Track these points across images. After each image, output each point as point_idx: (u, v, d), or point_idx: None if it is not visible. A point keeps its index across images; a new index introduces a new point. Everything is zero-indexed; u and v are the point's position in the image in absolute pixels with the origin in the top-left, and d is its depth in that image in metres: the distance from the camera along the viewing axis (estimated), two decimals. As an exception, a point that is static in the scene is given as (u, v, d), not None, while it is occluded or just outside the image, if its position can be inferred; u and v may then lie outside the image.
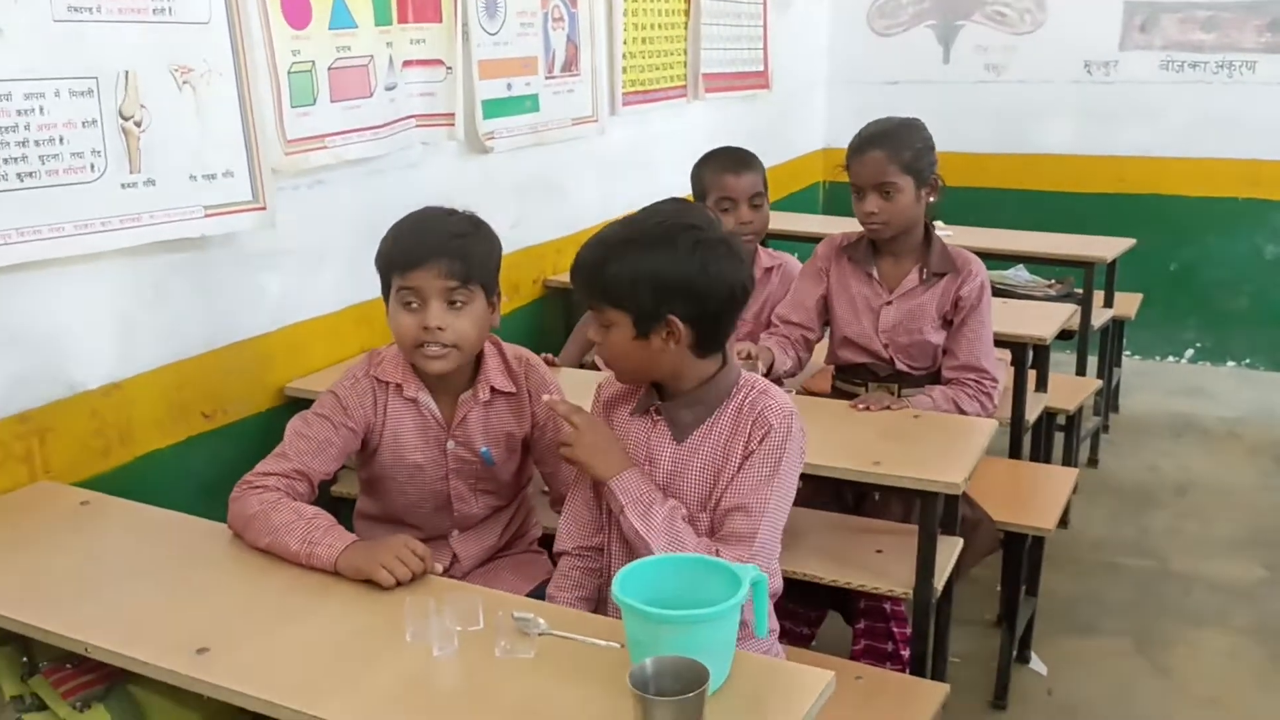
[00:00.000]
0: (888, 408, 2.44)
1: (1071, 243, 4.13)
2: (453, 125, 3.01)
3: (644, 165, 4.16)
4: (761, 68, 5.00)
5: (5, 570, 1.72)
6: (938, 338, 2.66)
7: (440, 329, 1.92)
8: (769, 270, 3.01)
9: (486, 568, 2.13)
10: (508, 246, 3.40)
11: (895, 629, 2.48)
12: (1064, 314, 3.16)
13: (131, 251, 2.18)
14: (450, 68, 2.98)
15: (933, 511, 2.10)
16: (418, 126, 2.95)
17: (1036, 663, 3.01)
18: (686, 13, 4.33)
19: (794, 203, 5.62)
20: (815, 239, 4.45)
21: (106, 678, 1.62)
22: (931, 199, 2.66)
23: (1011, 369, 3.05)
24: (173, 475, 2.33)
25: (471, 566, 2.11)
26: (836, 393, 2.82)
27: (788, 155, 5.54)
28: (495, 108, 3.26)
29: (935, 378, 2.68)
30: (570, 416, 1.79)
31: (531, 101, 3.44)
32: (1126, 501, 4.01)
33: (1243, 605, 3.32)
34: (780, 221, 4.62)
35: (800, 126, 5.71)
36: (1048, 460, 3.51)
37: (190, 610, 1.60)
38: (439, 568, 1.72)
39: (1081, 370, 4.06)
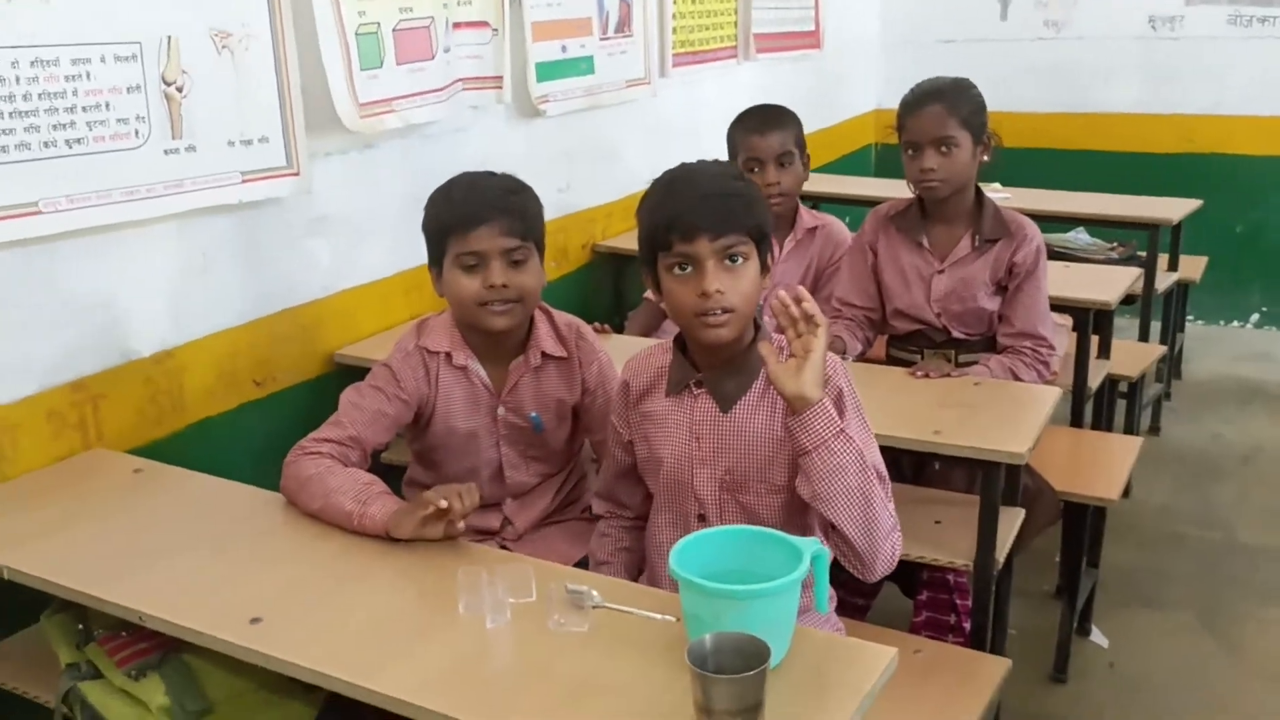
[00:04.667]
0: (947, 375, 2.38)
1: (1135, 204, 4.01)
2: (500, 89, 2.96)
3: (692, 129, 4.08)
4: (813, 27, 4.90)
5: (60, 538, 1.72)
6: (992, 304, 2.59)
7: (505, 286, 1.90)
8: (811, 230, 2.95)
9: (538, 534, 2.11)
10: (556, 211, 3.42)
11: (959, 600, 2.42)
12: (1127, 278, 3.07)
13: (179, 218, 2.17)
14: (497, 30, 2.93)
15: (995, 482, 2.04)
16: (465, 90, 2.91)
17: (1098, 635, 2.94)
18: (738, -30, 4.24)
19: (845, 165, 5.52)
20: (868, 202, 4.36)
21: (161, 646, 1.62)
22: (985, 159, 2.58)
23: (1073, 335, 2.97)
24: (224, 442, 2.33)
25: (524, 531, 2.09)
26: (891, 360, 2.75)
27: (839, 117, 5.44)
28: (549, 70, 3.21)
29: (991, 343, 2.61)
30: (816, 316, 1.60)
31: (586, 64, 3.38)
32: (1190, 471, 3.91)
33: (1312, 578, 3.23)
34: (831, 184, 4.54)
35: (852, 87, 5.60)
36: (1109, 428, 3.42)
37: (243, 579, 1.59)
38: (475, 497, 1.67)
39: (1144, 336, 3.95)
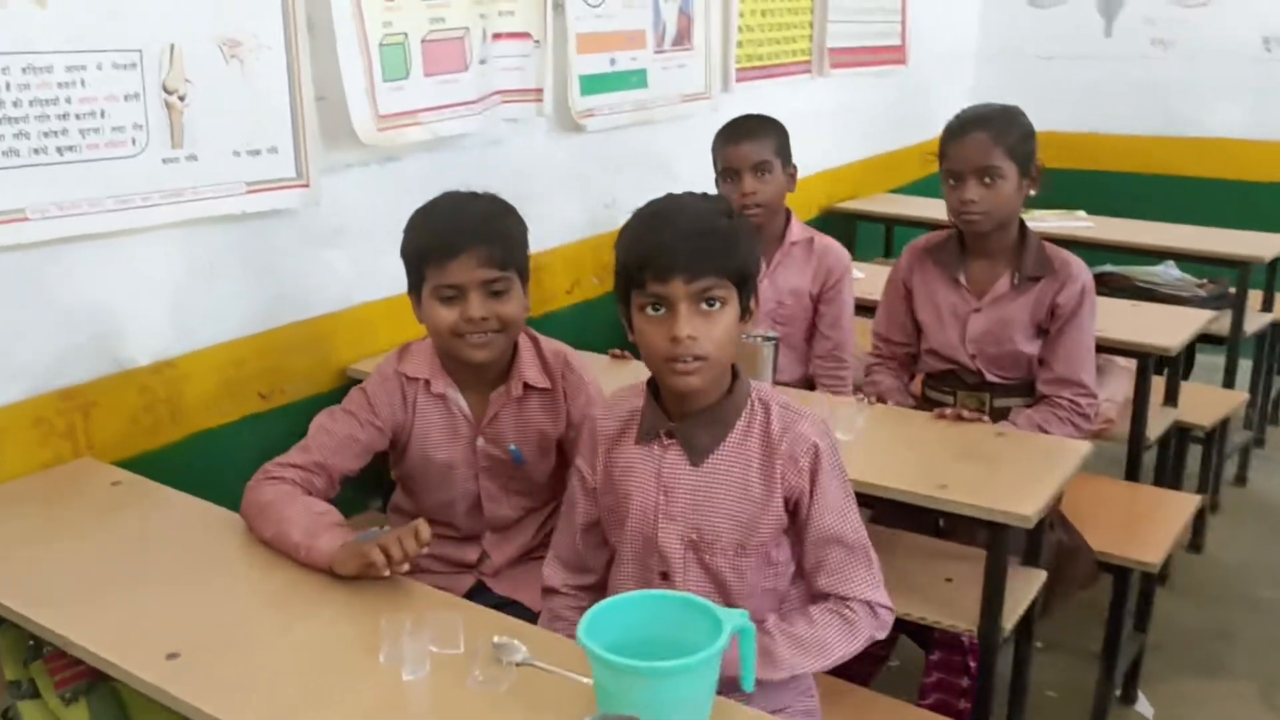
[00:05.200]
0: (979, 418, 2.23)
1: (1228, 239, 3.75)
2: (540, 101, 2.90)
3: (760, 144, 3.97)
4: (898, 41, 4.72)
5: (19, 552, 1.71)
6: (1031, 347, 2.42)
7: (484, 318, 1.83)
8: (802, 244, 2.85)
9: (518, 569, 2.03)
10: (599, 227, 3.35)
11: (972, 662, 2.27)
12: (1198, 320, 2.84)
13: (183, 226, 2.15)
14: (539, 41, 2.87)
15: (1001, 544, 1.89)
16: (504, 102, 2.85)
17: (1143, 703, 2.74)
18: (814, -17, 4.10)
19: (932, 186, 5.31)
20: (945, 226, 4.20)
21: (95, 672, 1.59)
22: (1032, 192, 2.41)
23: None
24: (226, 454, 2.31)
25: (502, 566, 2.02)
26: (926, 399, 2.61)
27: (927, 134, 5.21)
28: (595, 84, 3.13)
29: (1029, 387, 2.45)
30: None
31: (638, 77, 3.30)
32: (1273, 526, 3.64)
33: (1397, 655, 2.95)
34: (917, 207, 4.36)
35: (942, 103, 5.33)
36: (1178, 481, 3.19)
37: (176, 610, 1.55)
38: (425, 549, 1.60)
39: (1230, 381, 3.68)
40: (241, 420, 2.35)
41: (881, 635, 1.60)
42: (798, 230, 2.86)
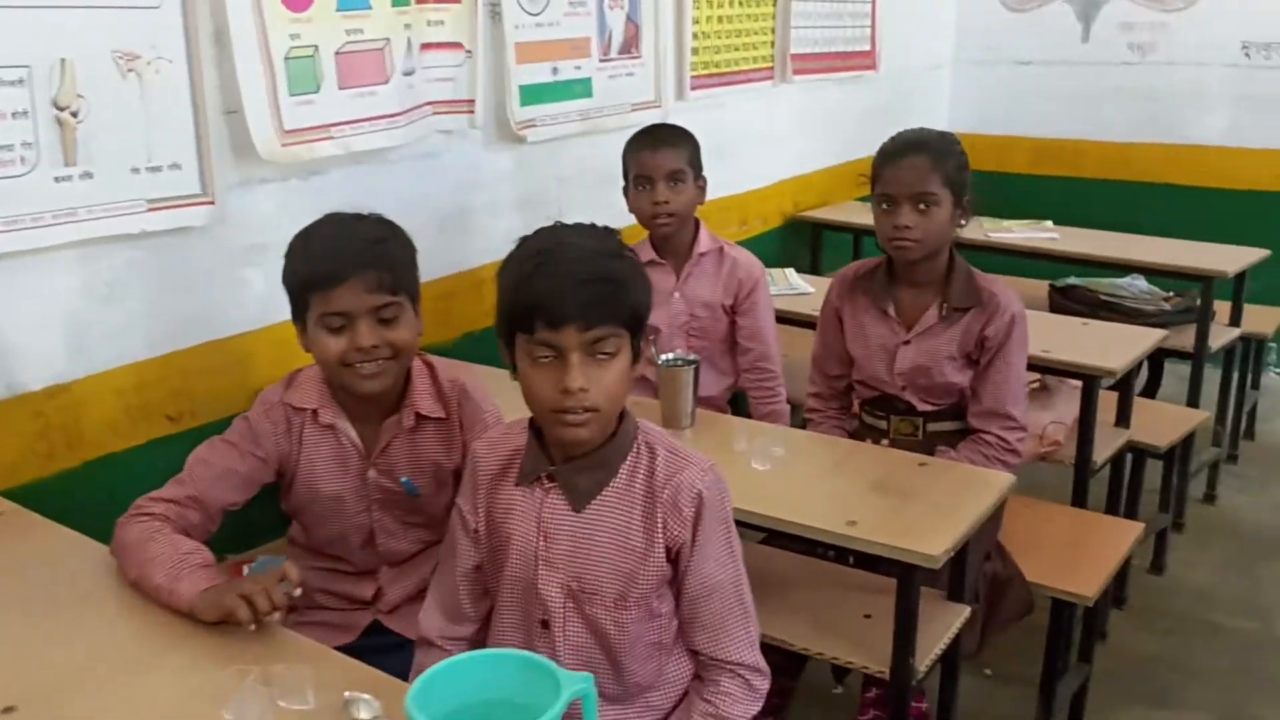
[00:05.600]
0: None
1: (1192, 252, 3.66)
2: (472, 113, 2.83)
3: (719, 152, 3.87)
4: (868, 47, 4.64)
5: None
6: (961, 379, 2.36)
7: (375, 346, 1.75)
8: (713, 255, 2.81)
9: (417, 605, 1.93)
10: (545, 239, 3.28)
11: (914, 703, 2.20)
12: (1145, 341, 2.76)
13: (80, 246, 2.08)
14: (470, 51, 2.79)
15: (911, 583, 1.81)
16: (435, 114, 2.78)
17: (1088, 737, 2.66)
18: (776, -12, 4.02)
19: (907, 192, 5.23)
20: (962, 247, 4.08)
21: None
22: (963, 222, 2.33)
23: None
24: (131, 480, 2.21)
25: (399, 602, 1.95)
26: (863, 424, 2.53)
27: (901, 141, 5.14)
28: (537, 94, 3.06)
29: (964, 410, 2.37)
30: None
31: (583, 86, 3.22)
32: (1242, 547, 3.55)
33: (1356, 686, 2.87)
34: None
35: (918, 110, 5.28)
36: (1134, 503, 3.11)
37: (21, 658, 1.48)
38: (297, 591, 1.55)
39: (1194, 398, 3.60)
40: (148, 444, 2.28)
41: (757, 709, 1.53)
42: (706, 240, 2.82)
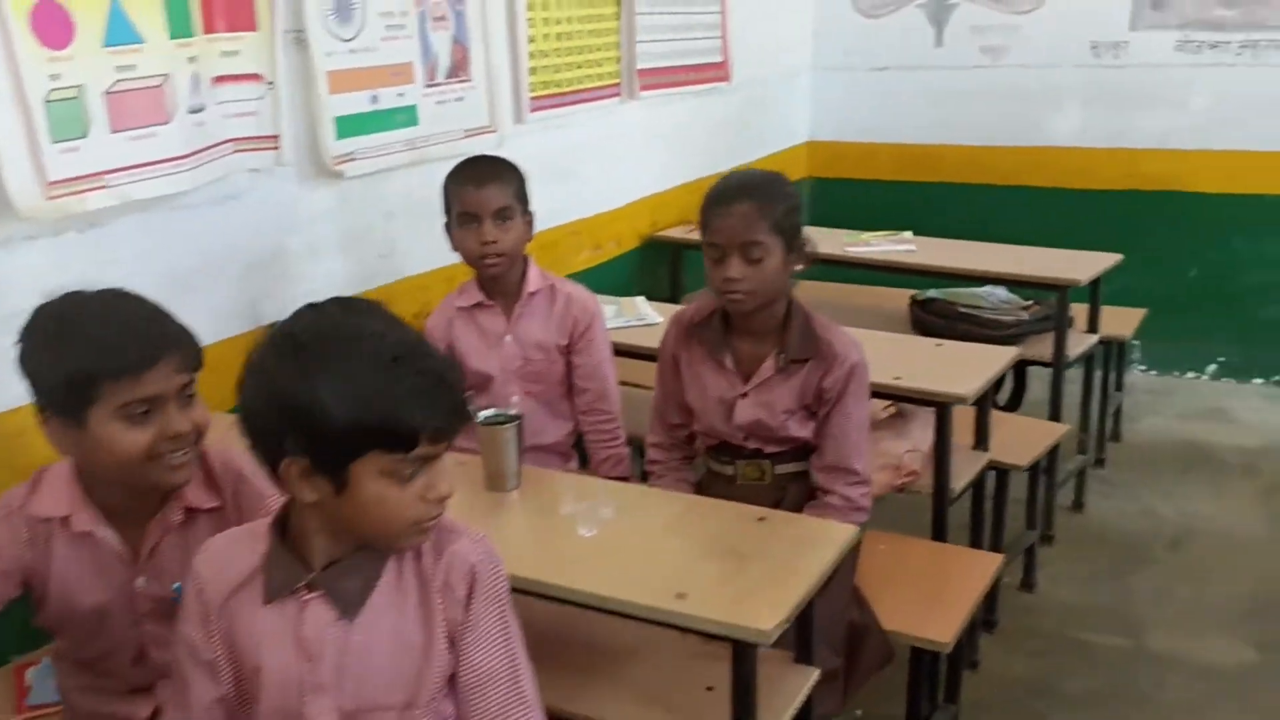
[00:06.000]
0: None
1: (1048, 260, 3.61)
2: (277, 149, 2.60)
3: (566, 175, 3.73)
4: (720, 58, 4.52)
5: None
6: (804, 431, 2.23)
7: (186, 432, 1.56)
8: (545, 293, 2.64)
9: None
10: (377, 278, 3.07)
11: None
12: (998, 362, 2.66)
13: None
14: (271, 82, 2.57)
15: (745, 659, 1.66)
16: (237, 152, 2.55)
17: (960, 778, 2.56)
18: (618, 2, 3.87)
19: (770, 203, 5.13)
20: (821, 261, 3.91)
21: None
22: (799, 267, 2.20)
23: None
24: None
25: (183, 718, 1.72)
26: (709, 471, 2.39)
27: (763, 151, 5.05)
28: (354, 124, 2.84)
29: (811, 451, 2.25)
30: None
31: (407, 114, 3.01)
32: (1112, 556, 3.51)
33: (1225, 699, 2.82)
34: None
35: (778, 120, 5.21)
36: (999, 524, 3.03)
37: None
38: None
39: (1056, 410, 3.55)
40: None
41: None
42: (536, 278, 2.65)
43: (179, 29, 2.35)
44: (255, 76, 2.55)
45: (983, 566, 2.45)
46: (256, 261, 2.68)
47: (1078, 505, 3.79)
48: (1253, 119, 4.60)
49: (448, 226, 2.63)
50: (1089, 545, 3.58)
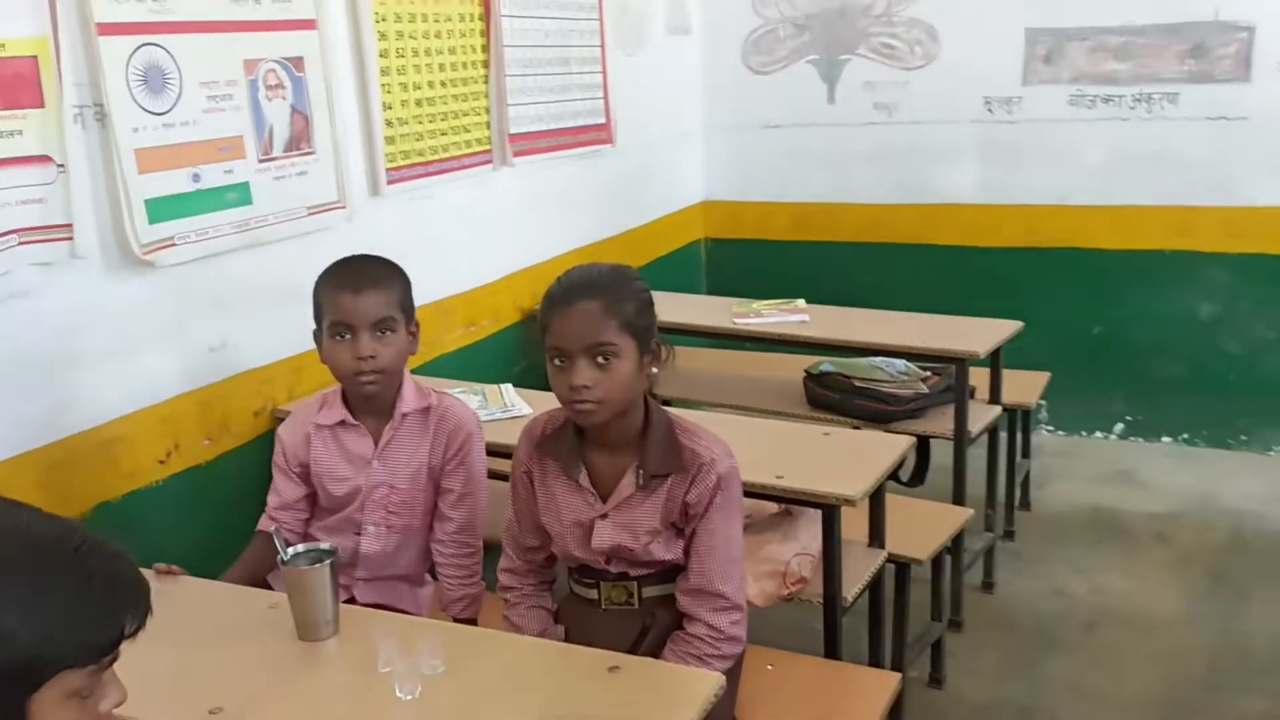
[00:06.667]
0: None
1: (945, 331, 3.42)
2: (70, 239, 2.29)
3: (432, 249, 3.44)
4: (602, 120, 4.30)
5: None
6: (671, 553, 1.96)
7: None
8: (419, 414, 2.31)
9: None
10: (206, 376, 2.73)
11: None
12: (890, 453, 2.42)
13: None
14: (62, 165, 2.26)
15: None
16: (22, 244, 2.23)
17: None
18: (485, 64, 3.62)
19: (670, 267, 4.92)
20: (699, 333, 3.66)
21: None
22: (654, 370, 1.94)
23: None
24: None
25: None
26: (571, 597, 2.11)
27: (652, 214, 4.84)
28: (171, 207, 2.54)
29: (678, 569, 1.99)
30: None
31: (238, 192, 2.72)
32: (1022, 643, 3.29)
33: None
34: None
35: (669, 181, 5.01)
36: (902, 620, 2.79)
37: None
38: None
39: (960, 492, 3.34)
40: None
41: None
42: (412, 398, 2.30)
43: (-61, 107, 2.04)
44: (43, 159, 2.24)
45: (880, 686, 2.20)
46: (52, 366, 2.35)
47: (987, 585, 3.58)
48: (1148, 173, 4.51)
49: (316, 335, 2.28)
50: (999, 630, 3.36)
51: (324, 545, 1.85)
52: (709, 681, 1.63)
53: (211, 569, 2.27)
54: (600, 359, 1.85)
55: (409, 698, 1.61)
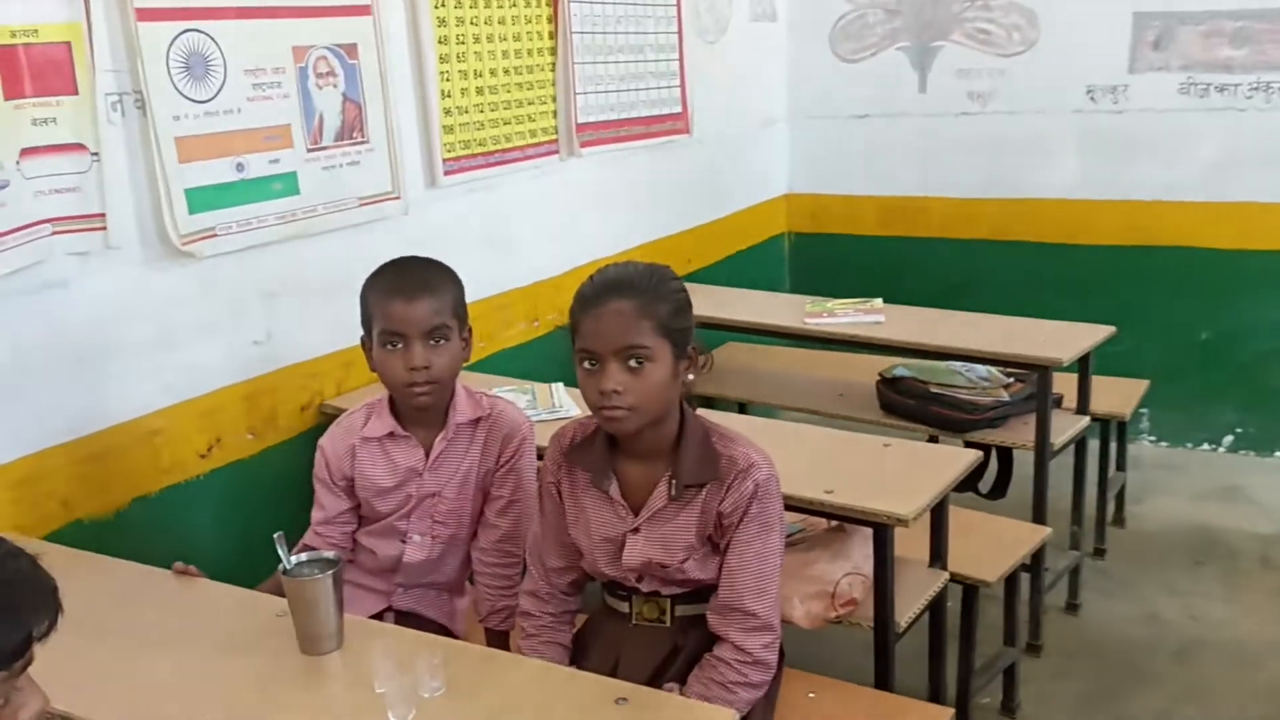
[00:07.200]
0: None
1: (1030, 333, 3.19)
2: (104, 229, 2.25)
3: (493, 242, 3.37)
4: (679, 109, 4.16)
5: None
6: (706, 572, 1.83)
7: None
8: (470, 425, 2.19)
9: None
10: (249, 370, 2.69)
11: None
12: (953, 467, 2.24)
13: None
14: (96, 153, 2.22)
15: None
16: (56, 234, 2.20)
17: None
18: (553, 52, 3.52)
19: (750, 262, 4.76)
20: (768, 332, 3.51)
21: None
22: (690, 377, 1.81)
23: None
24: None
25: None
26: (603, 608, 1.99)
27: (730, 207, 4.68)
28: (213, 197, 2.49)
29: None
30: None
31: (284, 182, 2.66)
32: (1106, 672, 3.06)
33: None
34: (717, 300, 3.71)
35: (750, 172, 4.84)
36: (969, 639, 2.60)
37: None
38: None
39: (1040, 509, 3.11)
40: None
41: None
42: (466, 408, 2.17)
43: (-29, 94, 2.01)
44: (77, 147, 2.20)
45: (928, 723, 2.03)
46: (89, 357, 2.32)
47: (1071, 607, 3.36)
48: (1264, 167, 4.18)
49: (364, 342, 2.16)
50: (1083, 657, 3.14)
51: (328, 554, 1.76)
52: (719, 718, 1.49)
53: (252, 568, 2.21)
54: (632, 362, 1.73)
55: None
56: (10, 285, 2.14)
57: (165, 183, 2.37)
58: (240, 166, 2.55)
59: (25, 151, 2.12)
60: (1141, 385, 3.74)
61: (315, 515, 2.25)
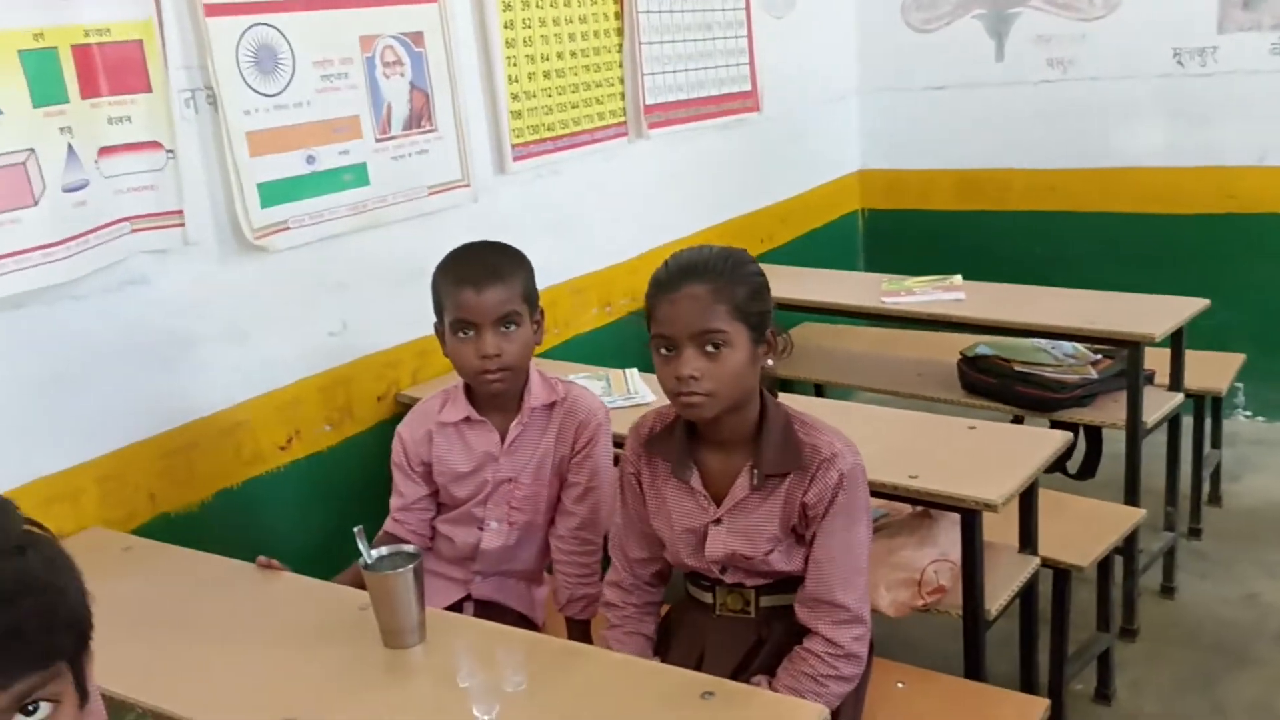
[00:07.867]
0: None
1: (1117, 307, 3.08)
2: (182, 226, 2.27)
3: (565, 227, 3.34)
4: (748, 87, 4.09)
5: None
6: (791, 563, 1.79)
7: None
8: (546, 409, 2.17)
9: None
10: (327, 360, 2.70)
11: None
12: (1041, 450, 2.17)
13: None
14: (171, 150, 2.24)
15: None
16: (135, 232, 2.22)
17: None
18: (619, 32, 3.48)
19: (824, 241, 4.68)
20: (845, 313, 3.44)
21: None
22: (769, 361, 1.76)
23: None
24: None
25: None
26: (686, 599, 1.96)
27: (803, 185, 4.60)
28: (284, 190, 2.50)
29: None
30: None
31: (354, 173, 2.66)
32: (1204, 656, 2.96)
33: None
34: (792, 281, 3.65)
35: (821, 149, 4.75)
36: (1061, 626, 2.52)
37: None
38: None
39: (1133, 490, 3.01)
40: None
41: None
42: (540, 391, 2.16)
43: (47, 93, 2.03)
44: (153, 144, 2.22)
45: (1025, 713, 1.96)
46: (170, 353, 2.34)
47: (1167, 590, 3.25)
48: (1366, 128, 4.00)
49: (438, 329, 2.16)
50: (1179, 641, 3.03)
51: (408, 548, 1.75)
52: (810, 714, 1.45)
53: (330, 558, 2.23)
54: (709, 348, 1.69)
55: (487, 718, 1.49)
56: (92, 284, 2.17)
57: (238, 177, 2.38)
58: (311, 159, 2.55)
59: (103, 150, 2.14)
60: (1236, 359, 3.60)
61: (394, 502, 2.26)
